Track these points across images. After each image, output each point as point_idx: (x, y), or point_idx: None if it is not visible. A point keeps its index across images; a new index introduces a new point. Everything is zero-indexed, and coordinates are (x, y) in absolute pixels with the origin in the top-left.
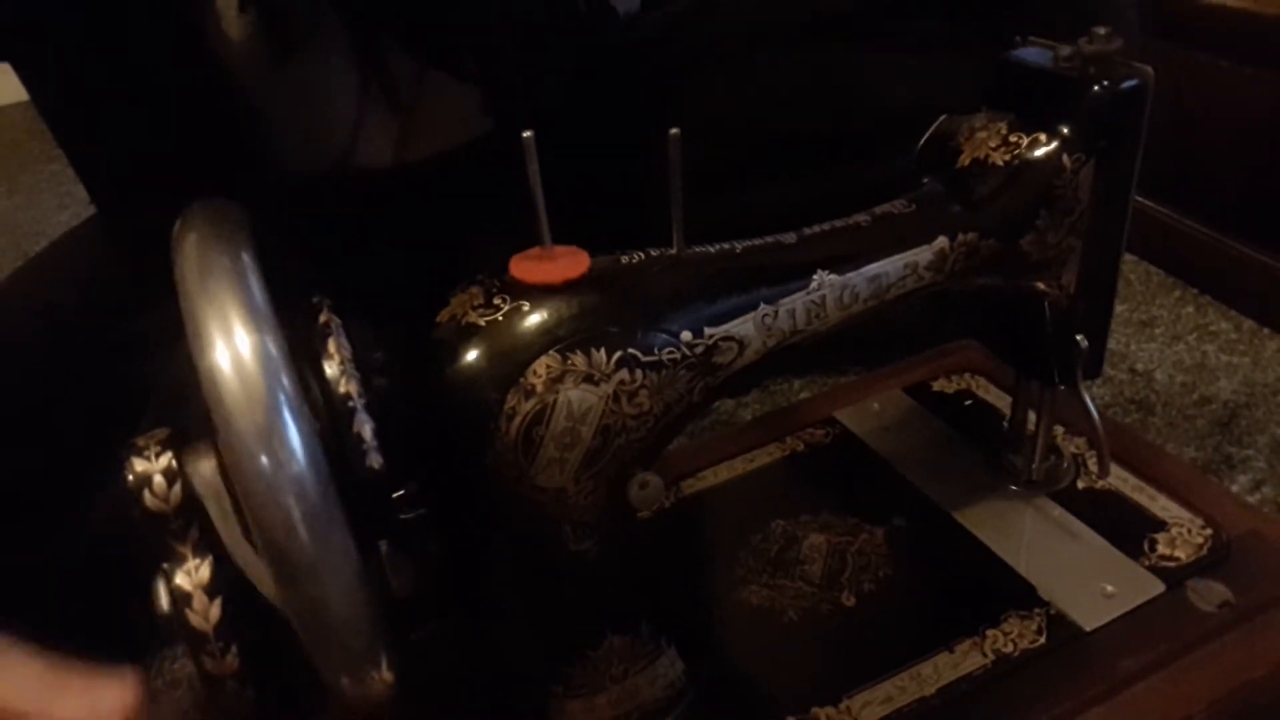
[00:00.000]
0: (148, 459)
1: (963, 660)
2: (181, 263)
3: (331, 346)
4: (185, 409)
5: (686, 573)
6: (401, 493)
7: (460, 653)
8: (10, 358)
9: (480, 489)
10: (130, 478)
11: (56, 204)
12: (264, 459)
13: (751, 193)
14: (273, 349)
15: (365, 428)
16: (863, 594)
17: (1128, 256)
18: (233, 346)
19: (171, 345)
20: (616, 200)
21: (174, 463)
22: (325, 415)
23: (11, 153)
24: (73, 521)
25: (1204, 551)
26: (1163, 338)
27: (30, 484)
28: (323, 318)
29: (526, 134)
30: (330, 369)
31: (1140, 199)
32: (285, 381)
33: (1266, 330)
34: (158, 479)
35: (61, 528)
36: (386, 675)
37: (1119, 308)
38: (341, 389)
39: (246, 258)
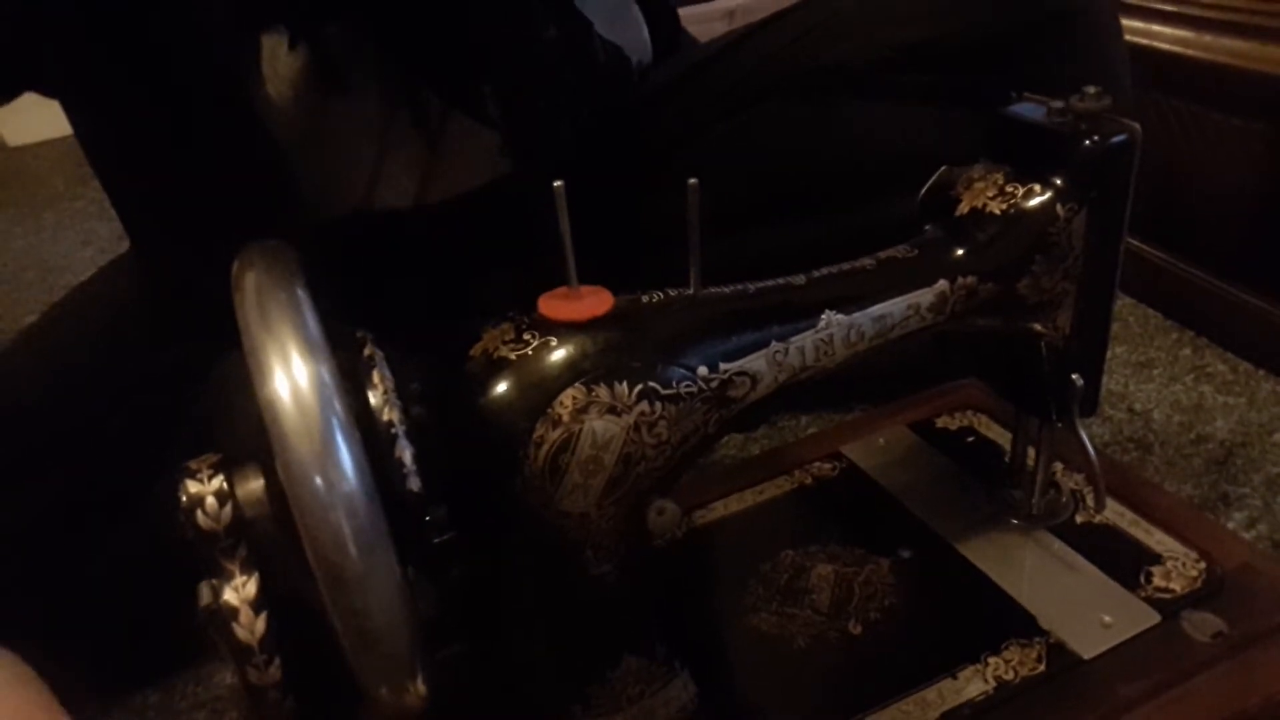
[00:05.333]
0: (200, 481)
1: (965, 686)
2: (242, 298)
3: (376, 377)
4: (220, 435)
5: (699, 600)
6: (430, 518)
7: (482, 673)
8: (48, 389)
9: (508, 513)
10: (184, 498)
11: (80, 239)
12: (318, 479)
13: (762, 237)
14: (327, 378)
15: (406, 453)
16: (869, 622)
17: (1127, 300)
18: (291, 375)
19: (203, 376)
20: (632, 242)
21: (225, 484)
22: (369, 441)
23: (37, 190)
24: (109, 543)
25: (1198, 584)
26: (1160, 378)
27: (67, 509)
28: (367, 350)
29: (558, 184)
30: (374, 398)
31: (1139, 244)
32: (338, 408)
33: (1262, 372)
34: (210, 500)
35: (99, 549)
36: (421, 688)
37: (1118, 349)
38: (385, 416)
39: (301, 293)
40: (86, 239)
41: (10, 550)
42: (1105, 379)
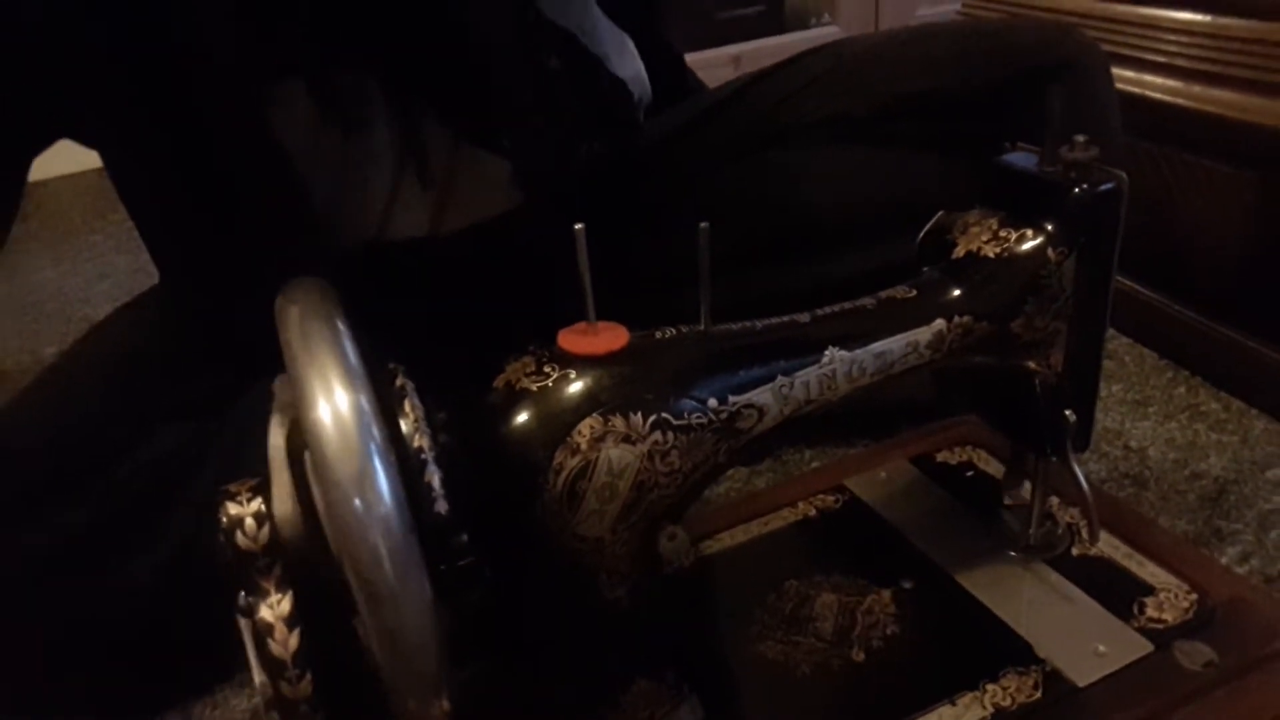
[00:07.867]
0: (240, 503)
1: (964, 713)
2: (286, 331)
3: (407, 406)
4: (245, 465)
5: (707, 627)
6: (453, 542)
7: (497, 694)
8: (76, 420)
9: (527, 538)
10: (224, 520)
11: (98, 273)
12: (358, 501)
13: (767, 277)
14: (366, 405)
15: (435, 478)
16: (871, 650)
17: (1123, 339)
18: (332, 403)
19: (226, 408)
20: (643, 280)
21: (263, 507)
22: (401, 466)
23: (57, 224)
24: (133, 569)
25: (1190, 615)
26: (1156, 416)
27: (93, 537)
28: (399, 381)
29: (578, 226)
30: (405, 425)
31: (1136, 286)
32: (376, 434)
33: (1254, 410)
34: (249, 521)
35: (123, 573)
36: (446, 705)
37: (1115, 388)
38: (415, 443)
39: (341, 325)
40: (104, 272)
41: (32, 578)
42: (1102, 416)
